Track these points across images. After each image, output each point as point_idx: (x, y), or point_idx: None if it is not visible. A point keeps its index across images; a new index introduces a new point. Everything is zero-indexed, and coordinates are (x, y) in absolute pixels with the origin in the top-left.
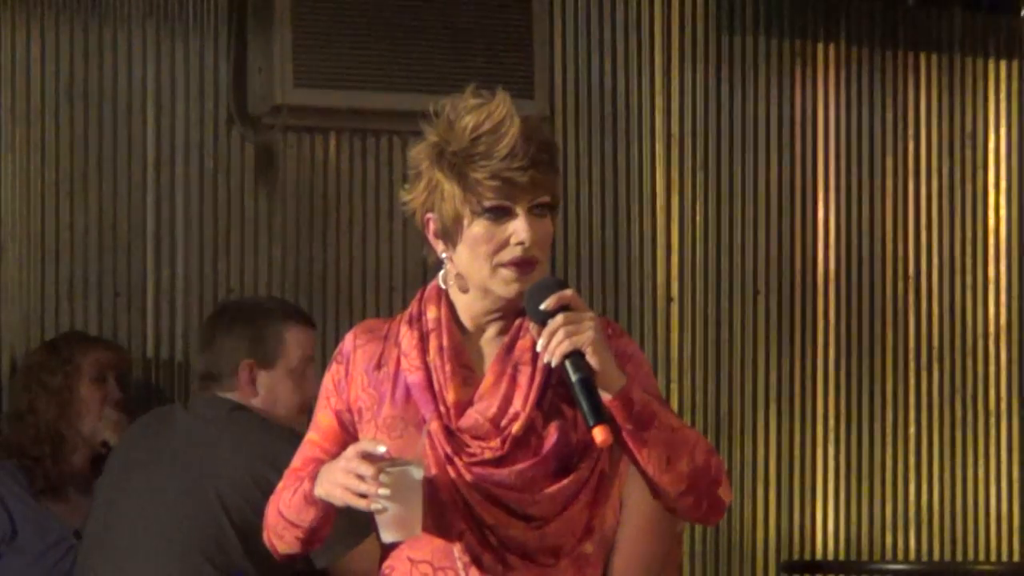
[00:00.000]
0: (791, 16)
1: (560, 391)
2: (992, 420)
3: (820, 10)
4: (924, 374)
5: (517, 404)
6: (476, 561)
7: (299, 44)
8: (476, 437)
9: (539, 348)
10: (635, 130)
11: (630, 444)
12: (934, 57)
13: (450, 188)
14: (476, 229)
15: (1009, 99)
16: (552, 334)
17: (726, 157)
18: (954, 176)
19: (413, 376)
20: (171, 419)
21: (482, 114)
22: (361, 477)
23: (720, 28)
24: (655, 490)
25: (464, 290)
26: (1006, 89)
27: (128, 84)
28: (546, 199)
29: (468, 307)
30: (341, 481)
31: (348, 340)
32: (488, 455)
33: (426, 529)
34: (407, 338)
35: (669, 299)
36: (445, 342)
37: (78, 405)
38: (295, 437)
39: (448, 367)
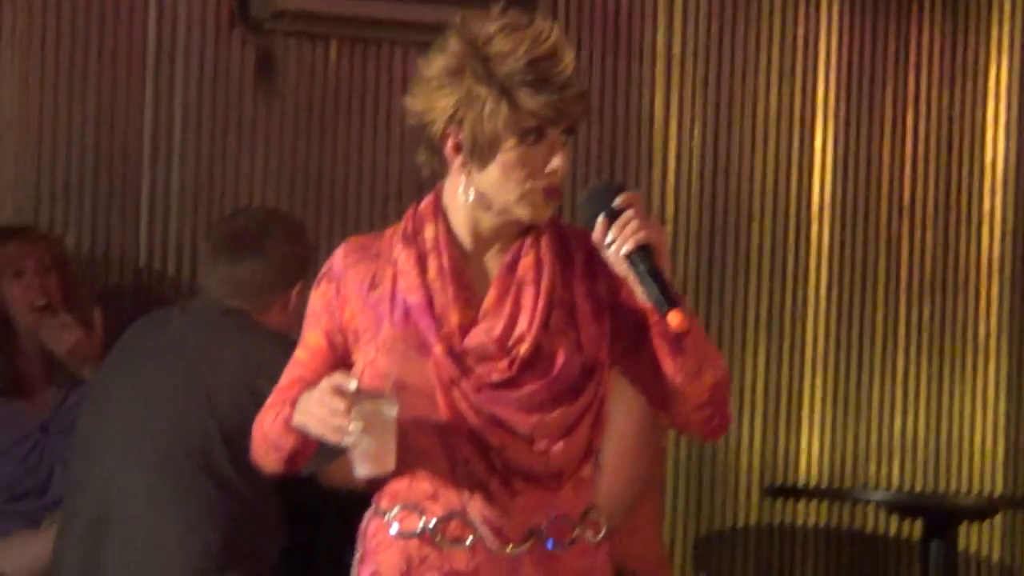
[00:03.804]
0: None
1: (562, 313)
2: (981, 354)
3: None
4: (915, 305)
5: (523, 324)
6: (481, 486)
7: None
8: (482, 358)
9: (608, 238)
10: (636, 48)
11: (667, 351)
12: None
13: (496, 108)
14: (514, 154)
15: (1012, 32)
16: (626, 224)
17: (727, 80)
18: (953, 109)
19: (413, 297)
20: (167, 321)
21: (534, 39)
22: (335, 411)
23: None
24: (677, 400)
25: (486, 208)
26: (1009, 22)
27: None
28: (574, 124)
29: (474, 223)
30: (315, 413)
31: (338, 259)
32: (496, 377)
33: (431, 454)
34: (403, 257)
35: (663, 220)
36: (445, 263)
37: (3, 303)
38: (290, 345)
39: (450, 289)
